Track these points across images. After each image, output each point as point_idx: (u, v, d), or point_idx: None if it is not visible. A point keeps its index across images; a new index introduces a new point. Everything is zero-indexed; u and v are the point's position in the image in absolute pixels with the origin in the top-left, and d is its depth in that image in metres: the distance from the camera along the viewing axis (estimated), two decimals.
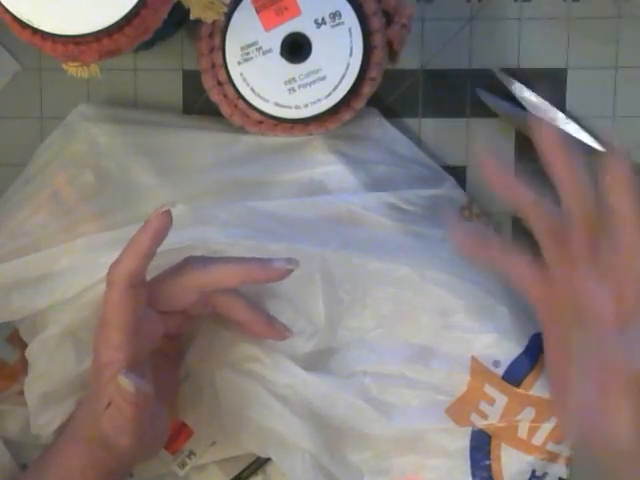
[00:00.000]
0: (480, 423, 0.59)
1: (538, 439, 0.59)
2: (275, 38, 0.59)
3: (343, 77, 0.59)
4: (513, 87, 0.65)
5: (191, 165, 0.62)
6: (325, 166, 0.62)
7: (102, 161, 0.62)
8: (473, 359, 0.59)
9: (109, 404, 0.55)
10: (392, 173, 0.63)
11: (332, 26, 0.59)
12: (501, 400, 0.59)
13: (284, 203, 0.61)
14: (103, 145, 0.63)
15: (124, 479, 0.62)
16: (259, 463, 0.65)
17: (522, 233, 0.66)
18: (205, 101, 0.63)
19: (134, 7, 0.50)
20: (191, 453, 0.64)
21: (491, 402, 0.59)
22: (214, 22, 0.59)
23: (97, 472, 0.57)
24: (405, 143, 0.64)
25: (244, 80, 0.59)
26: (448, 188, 0.64)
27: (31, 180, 0.63)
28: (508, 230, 0.66)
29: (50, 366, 0.60)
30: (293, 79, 0.59)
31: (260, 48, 0.59)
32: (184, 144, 0.63)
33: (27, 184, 0.63)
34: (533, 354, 0.59)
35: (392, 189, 0.62)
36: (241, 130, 0.62)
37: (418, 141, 0.66)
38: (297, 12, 0.59)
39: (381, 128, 0.64)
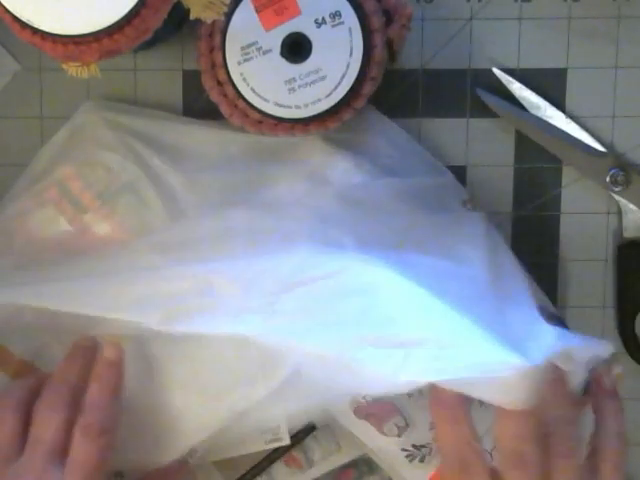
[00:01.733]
0: None
1: None
2: (275, 38, 0.59)
3: (343, 77, 0.59)
4: (513, 87, 0.65)
5: (196, 162, 0.63)
6: (328, 160, 0.62)
7: (109, 157, 0.62)
8: None
9: None
10: (394, 164, 0.63)
11: (332, 26, 0.59)
12: None
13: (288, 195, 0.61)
14: (110, 142, 0.63)
15: None
16: (262, 467, 0.65)
17: (522, 233, 0.67)
18: (205, 101, 0.63)
19: (134, 7, 0.50)
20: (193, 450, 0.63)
21: None
22: (214, 22, 0.59)
23: None
24: (404, 136, 0.65)
25: (244, 80, 0.59)
26: (450, 179, 0.65)
27: (39, 178, 0.63)
28: (508, 230, 0.66)
29: None
30: (293, 79, 0.59)
31: (260, 48, 0.59)
32: (189, 142, 0.63)
33: (35, 183, 0.63)
34: None
35: (395, 182, 0.62)
36: (241, 130, 0.62)
37: (418, 141, 0.66)
38: (297, 12, 0.59)
39: (380, 122, 0.64)
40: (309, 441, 0.65)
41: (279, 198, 0.62)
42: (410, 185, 0.62)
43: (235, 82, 0.59)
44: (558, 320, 0.62)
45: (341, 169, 0.62)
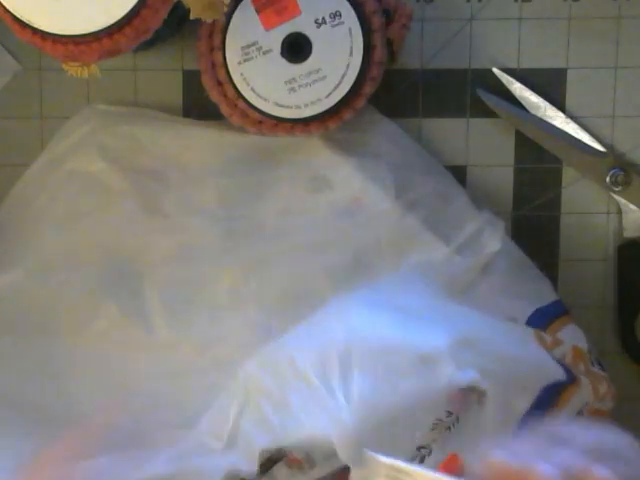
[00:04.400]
0: None
1: None
2: (275, 38, 0.59)
3: (343, 77, 0.59)
4: (513, 87, 0.65)
5: (196, 165, 0.62)
6: (328, 162, 0.62)
7: (106, 165, 0.62)
8: None
9: None
10: (396, 166, 0.63)
11: (332, 26, 0.59)
12: None
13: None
14: (107, 149, 0.62)
15: None
16: (264, 468, 0.64)
17: (522, 233, 0.67)
18: (205, 101, 0.62)
19: (134, 7, 0.50)
20: None
21: None
22: (214, 22, 0.59)
23: None
24: (404, 136, 0.64)
25: (244, 80, 0.59)
26: (451, 180, 0.65)
27: (35, 187, 0.63)
28: (508, 230, 0.66)
29: None
30: (293, 79, 0.59)
31: (260, 48, 0.59)
32: (189, 144, 0.63)
33: (31, 192, 0.63)
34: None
35: (396, 182, 0.62)
36: (241, 130, 0.62)
37: (418, 141, 0.66)
38: (297, 12, 0.59)
39: (381, 123, 0.64)
40: None
41: (279, 201, 0.62)
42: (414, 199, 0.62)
43: (235, 82, 0.59)
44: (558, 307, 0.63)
45: (342, 172, 0.62)
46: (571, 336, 0.61)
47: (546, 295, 0.62)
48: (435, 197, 0.63)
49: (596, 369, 0.59)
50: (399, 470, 0.45)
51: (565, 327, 0.62)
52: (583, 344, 0.61)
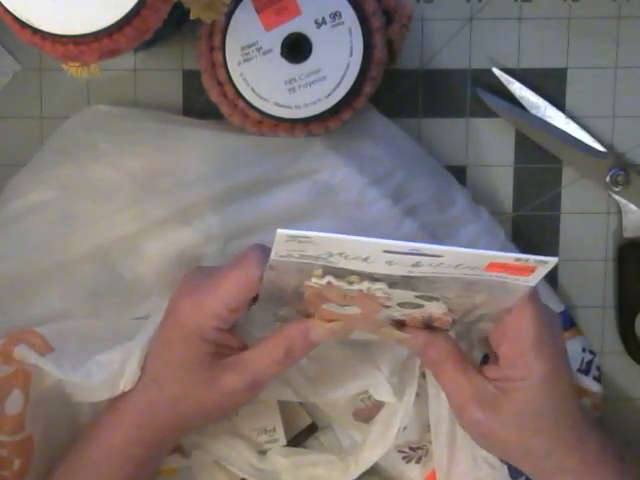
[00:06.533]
0: None
1: None
2: (275, 38, 0.59)
3: (343, 77, 0.59)
4: (513, 87, 0.65)
5: (196, 166, 0.62)
6: (329, 167, 0.62)
7: (106, 167, 0.62)
8: None
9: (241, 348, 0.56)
10: (396, 168, 0.63)
11: (332, 26, 0.59)
12: None
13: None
14: (106, 150, 0.62)
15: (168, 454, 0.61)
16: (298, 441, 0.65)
17: (522, 233, 0.67)
18: (205, 101, 0.63)
19: (134, 7, 0.50)
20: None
21: None
22: (214, 22, 0.59)
23: (143, 446, 0.56)
24: (405, 137, 0.64)
25: (244, 80, 0.59)
26: (451, 180, 0.65)
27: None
28: (508, 230, 0.66)
29: None
30: (293, 79, 0.59)
31: (260, 48, 0.59)
32: (189, 144, 0.62)
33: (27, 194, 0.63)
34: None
35: (395, 186, 0.62)
36: (241, 130, 0.62)
37: (418, 141, 0.66)
38: (297, 12, 0.59)
39: (381, 124, 0.64)
40: (311, 442, 0.65)
41: (279, 202, 0.61)
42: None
43: (235, 82, 0.59)
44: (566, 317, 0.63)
45: (343, 174, 0.62)
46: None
47: (552, 306, 0.62)
48: (434, 202, 0.63)
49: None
50: (297, 237, 0.47)
51: (573, 339, 0.62)
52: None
